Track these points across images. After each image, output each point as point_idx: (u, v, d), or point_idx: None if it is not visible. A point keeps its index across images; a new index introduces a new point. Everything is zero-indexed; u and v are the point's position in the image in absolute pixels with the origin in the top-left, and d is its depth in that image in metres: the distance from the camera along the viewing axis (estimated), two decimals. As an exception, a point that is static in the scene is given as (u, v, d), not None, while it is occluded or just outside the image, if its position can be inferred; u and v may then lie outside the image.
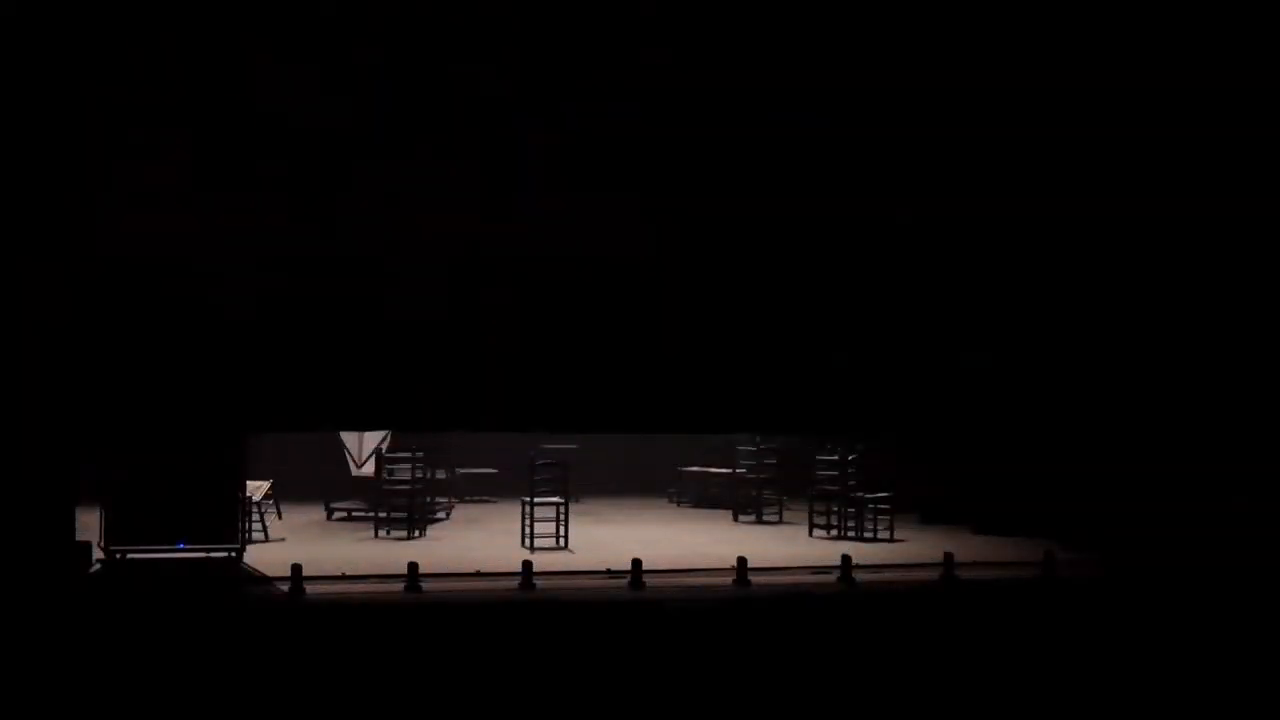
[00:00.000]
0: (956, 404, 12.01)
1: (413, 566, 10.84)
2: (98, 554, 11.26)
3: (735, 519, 15.26)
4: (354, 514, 14.89)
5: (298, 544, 13.07)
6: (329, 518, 14.89)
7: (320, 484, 15.25)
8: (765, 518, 15.09)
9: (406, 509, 13.79)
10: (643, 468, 17.13)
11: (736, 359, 11.55)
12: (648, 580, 11.17)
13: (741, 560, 11.40)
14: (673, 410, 11.43)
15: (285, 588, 10.70)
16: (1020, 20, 11.79)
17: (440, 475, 15.45)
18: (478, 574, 11.29)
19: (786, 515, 15.11)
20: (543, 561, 11.53)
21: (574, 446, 15.50)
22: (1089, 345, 12.44)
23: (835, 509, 14.01)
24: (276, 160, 10.58)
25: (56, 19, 10.38)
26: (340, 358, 10.85)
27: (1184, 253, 12.42)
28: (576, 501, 14.46)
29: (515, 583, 11.01)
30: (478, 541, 13.45)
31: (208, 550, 11.61)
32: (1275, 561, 11.67)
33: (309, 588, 10.64)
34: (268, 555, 12.16)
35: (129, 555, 11.38)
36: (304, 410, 10.99)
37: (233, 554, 11.68)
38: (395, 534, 13.69)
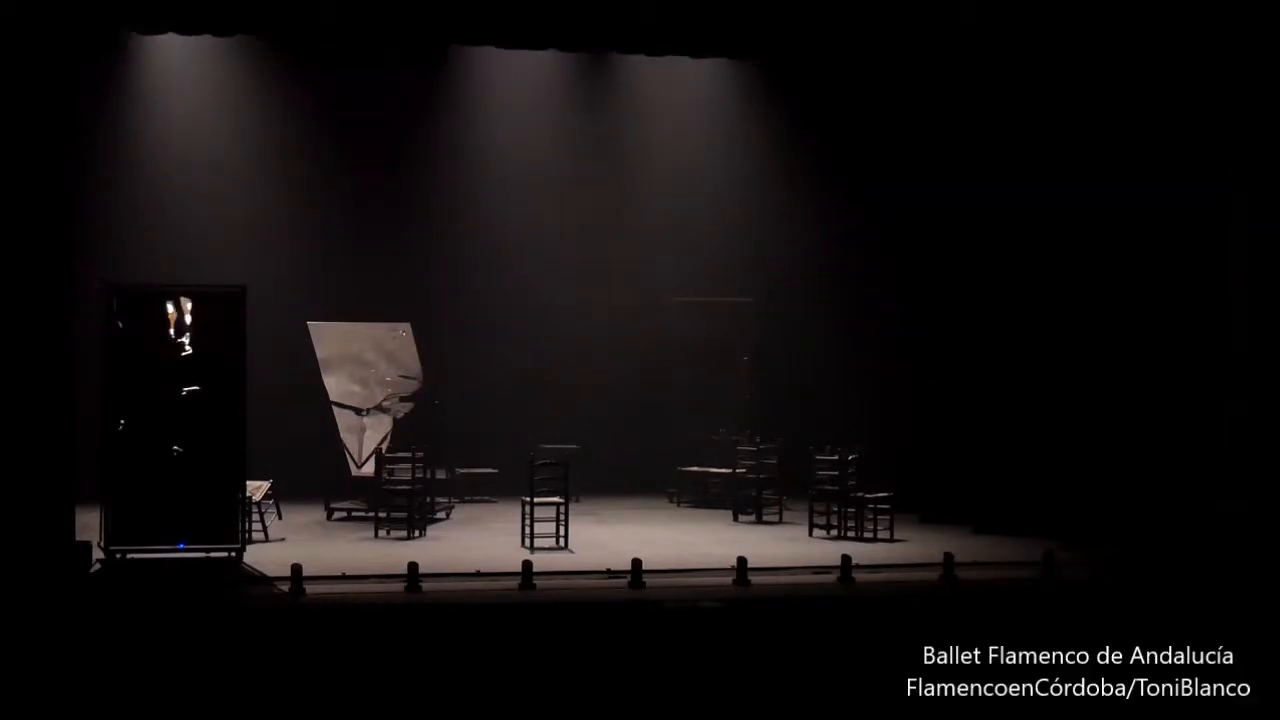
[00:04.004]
0: None
1: (413, 566, 10.84)
2: (98, 554, 11.26)
3: (735, 519, 15.25)
4: (354, 514, 14.88)
5: (298, 544, 13.06)
6: (329, 518, 14.88)
7: (320, 484, 15.23)
8: (765, 518, 15.08)
9: (406, 509, 13.78)
10: (643, 468, 17.10)
11: None
12: (648, 580, 11.17)
13: (741, 560, 11.40)
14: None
15: (285, 588, 10.70)
16: None
17: (440, 475, 15.43)
18: (478, 574, 11.29)
19: (786, 515, 15.10)
20: (543, 561, 11.53)
21: (574, 447, 15.48)
22: None
23: (835, 509, 14.00)
24: None
25: None
26: None
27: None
28: (576, 501, 14.45)
29: (515, 583, 11.01)
30: (478, 541, 13.45)
31: (208, 550, 11.61)
32: (1274, 561, 11.68)
33: (309, 588, 10.64)
34: (268, 555, 12.16)
35: (129, 555, 11.38)
36: None
37: (233, 554, 11.68)
38: (395, 534, 13.68)
